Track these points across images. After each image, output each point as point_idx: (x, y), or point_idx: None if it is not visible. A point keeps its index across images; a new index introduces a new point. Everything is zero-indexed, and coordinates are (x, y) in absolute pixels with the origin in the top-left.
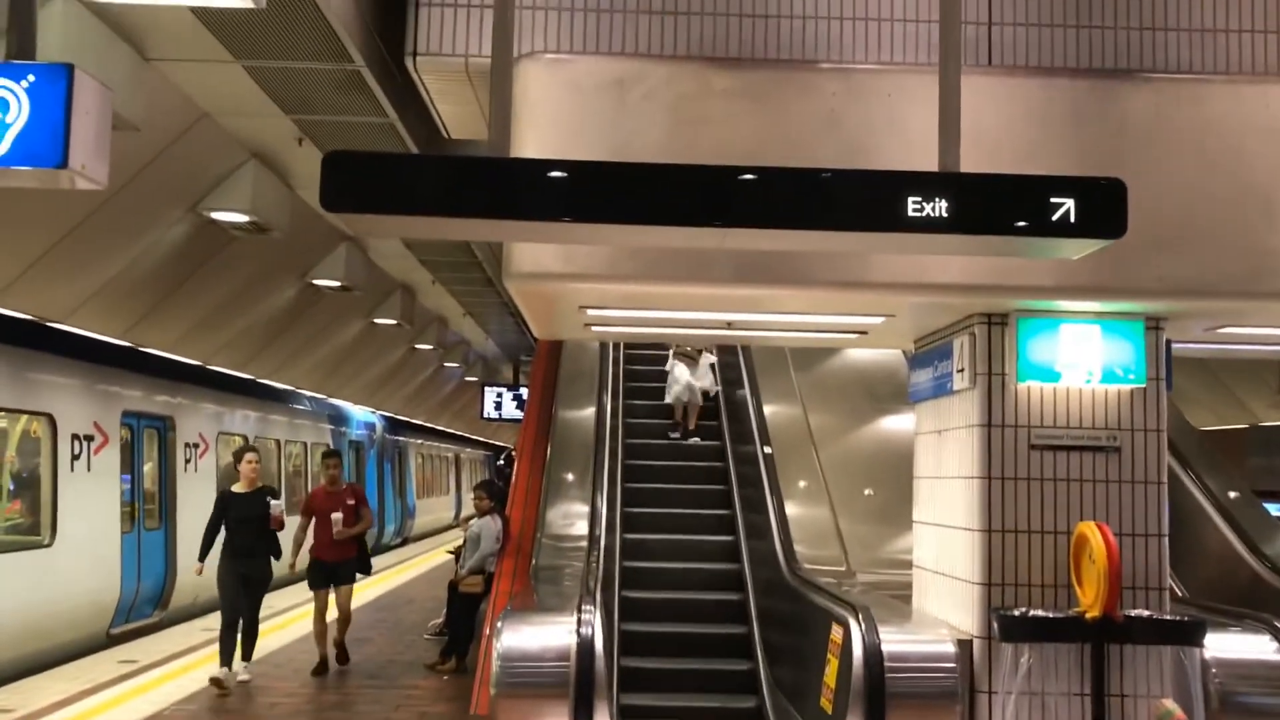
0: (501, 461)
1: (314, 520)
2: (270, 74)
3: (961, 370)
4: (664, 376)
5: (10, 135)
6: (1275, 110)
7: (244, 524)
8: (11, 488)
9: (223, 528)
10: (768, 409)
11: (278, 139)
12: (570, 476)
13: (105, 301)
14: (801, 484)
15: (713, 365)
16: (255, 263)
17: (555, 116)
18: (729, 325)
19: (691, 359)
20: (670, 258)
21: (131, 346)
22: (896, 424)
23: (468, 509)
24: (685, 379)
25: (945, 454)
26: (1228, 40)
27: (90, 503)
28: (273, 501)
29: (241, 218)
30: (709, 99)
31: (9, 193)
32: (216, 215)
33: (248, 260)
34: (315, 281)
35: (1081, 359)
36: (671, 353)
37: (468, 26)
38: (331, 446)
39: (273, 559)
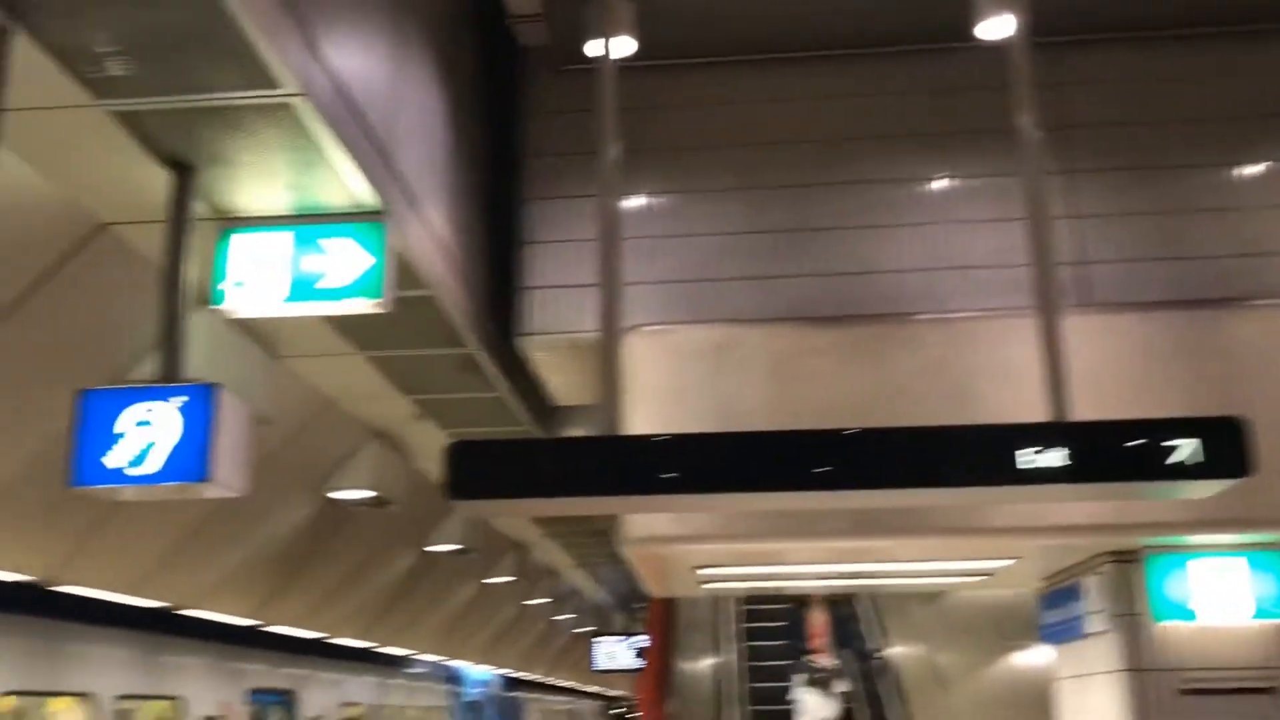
0: (621, 711)
1: None
2: (390, 362)
3: (1095, 612)
4: (785, 620)
5: (161, 454)
6: None
7: None
8: None
9: None
10: (898, 648)
11: (396, 419)
12: None
13: (234, 585)
14: None
15: (844, 693)
16: (375, 536)
17: (661, 385)
18: (846, 576)
19: (822, 685)
20: (783, 515)
21: (256, 626)
22: (1033, 661)
23: None
24: (818, 714)
25: (1090, 702)
26: None
27: None
28: None
29: (364, 495)
30: (808, 358)
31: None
32: (340, 495)
33: (368, 534)
34: (432, 548)
35: (1222, 594)
36: (804, 680)
37: (571, 306)
38: (449, 708)
39: None
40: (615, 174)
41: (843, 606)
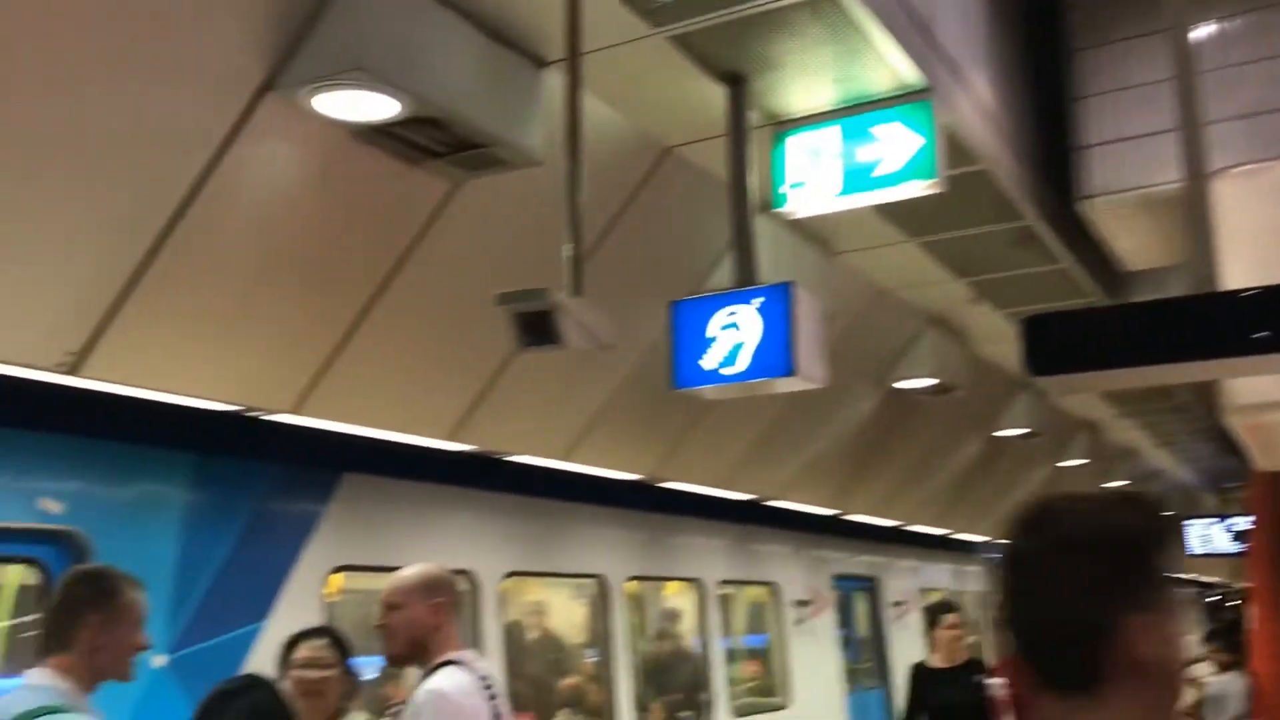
0: (1218, 598)
1: None
2: (944, 245)
3: None
4: None
5: (748, 353)
6: None
7: (946, 715)
8: (749, 651)
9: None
10: None
11: (951, 303)
12: None
13: (811, 477)
14: None
15: None
16: (940, 424)
17: (1257, 232)
18: None
19: None
20: None
21: (835, 515)
22: None
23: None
24: None
25: None
26: None
27: (816, 664)
28: (992, 683)
29: (927, 383)
30: None
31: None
32: (903, 384)
33: (933, 422)
34: (998, 433)
35: None
36: None
37: (1140, 159)
38: None
39: None
40: (1183, 2)
41: None
